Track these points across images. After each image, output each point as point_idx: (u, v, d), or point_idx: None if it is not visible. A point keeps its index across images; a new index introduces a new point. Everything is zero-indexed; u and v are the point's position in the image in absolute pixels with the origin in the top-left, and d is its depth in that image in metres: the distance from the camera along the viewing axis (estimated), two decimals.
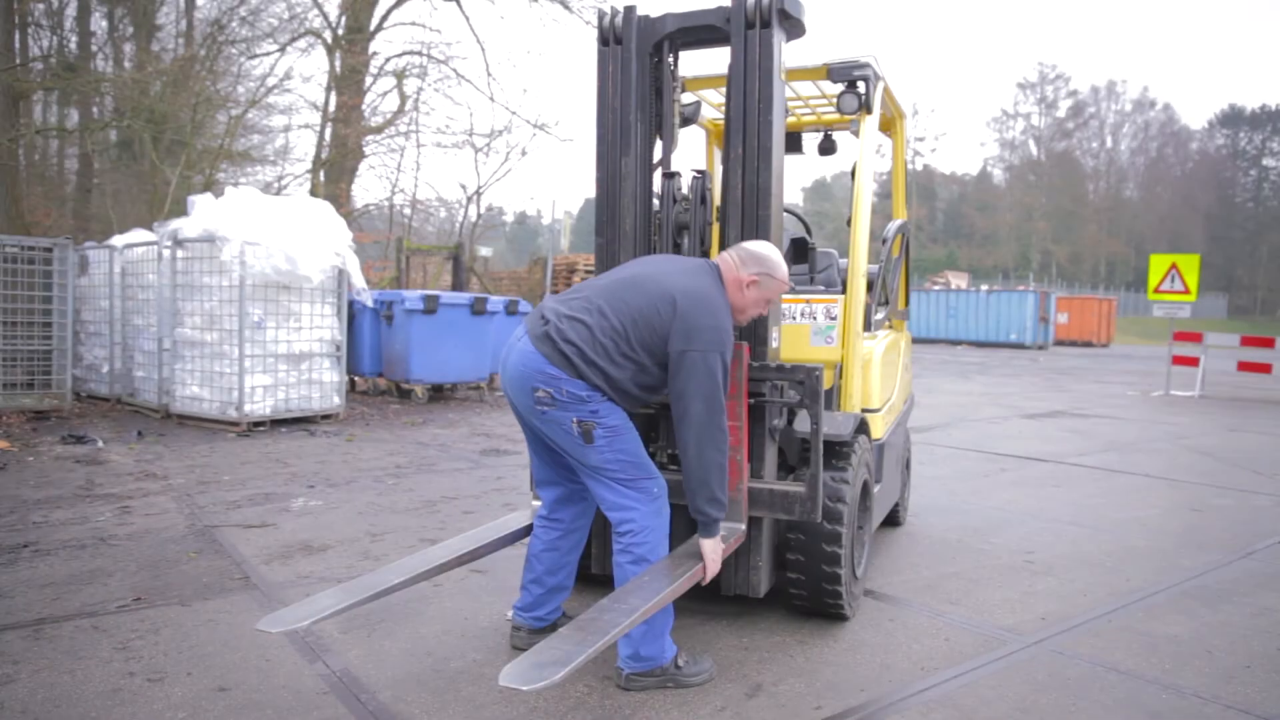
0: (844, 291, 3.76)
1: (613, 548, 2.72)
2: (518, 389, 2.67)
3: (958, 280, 38.96)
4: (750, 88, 3.04)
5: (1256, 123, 69.95)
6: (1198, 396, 12.60)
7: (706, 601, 3.37)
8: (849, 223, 3.75)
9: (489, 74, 19.43)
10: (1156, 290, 12.92)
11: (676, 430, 2.64)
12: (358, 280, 8.50)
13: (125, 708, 2.51)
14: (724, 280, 2.78)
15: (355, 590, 2.60)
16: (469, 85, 24.32)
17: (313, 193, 16.19)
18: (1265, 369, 13.64)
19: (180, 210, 10.29)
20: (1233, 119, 71.29)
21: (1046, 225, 61.81)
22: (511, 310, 10.68)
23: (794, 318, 3.70)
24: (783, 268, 2.84)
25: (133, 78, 13.69)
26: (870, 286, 3.89)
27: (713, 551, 2.70)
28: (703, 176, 3.25)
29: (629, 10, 3.17)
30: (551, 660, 2.02)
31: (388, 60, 18.89)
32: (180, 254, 7.98)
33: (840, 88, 3.69)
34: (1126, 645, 3.17)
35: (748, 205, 3.07)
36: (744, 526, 2.94)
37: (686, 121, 3.39)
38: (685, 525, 3.18)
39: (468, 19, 29.15)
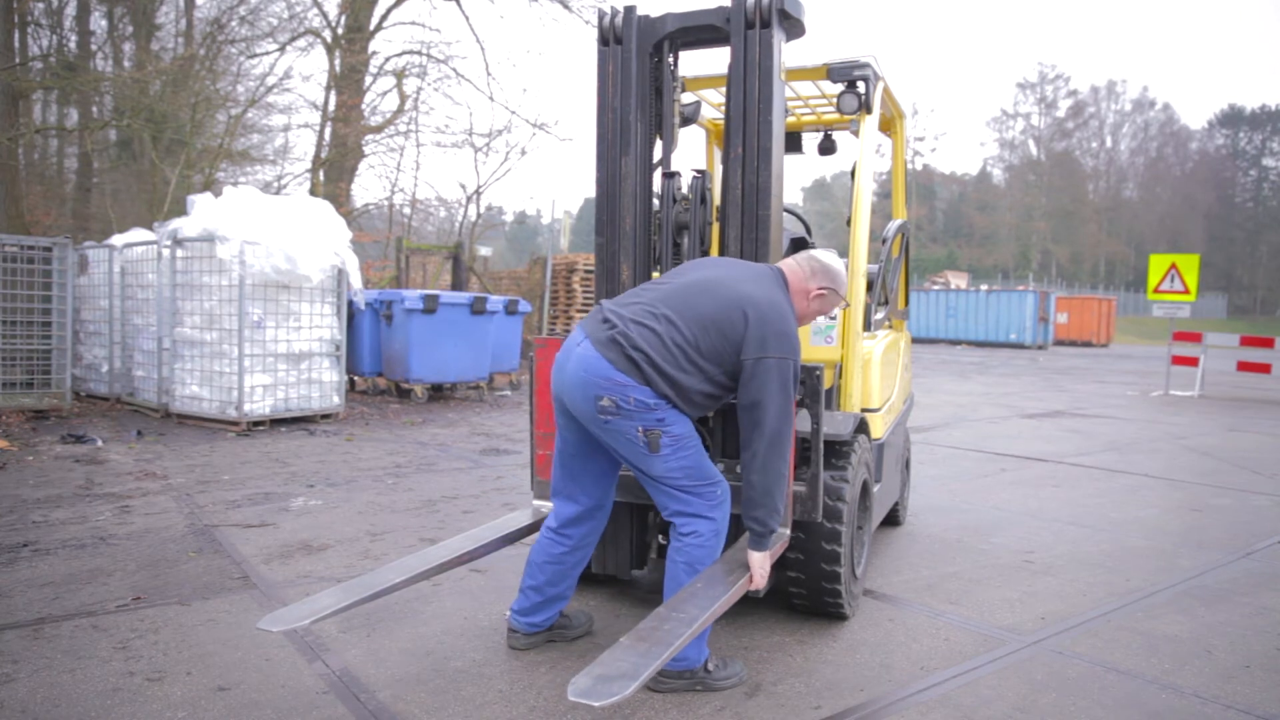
0: None
1: (669, 546, 2.69)
2: (580, 396, 2.57)
3: (957, 280, 38.99)
4: (750, 88, 3.04)
5: (1256, 123, 69.99)
6: (1197, 396, 12.60)
7: None
8: (849, 223, 3.75)
9: (489, 73, 19.45)
10: (1156, 290, 12.93)
11: (746, 438, 2.58)
12: (355, 281, 8.50)
13: (125, 707, 2.51)
14: (789, 287, 2.77)
15: (355, 590, 2.60)
16: (469, 85, 24.39)
17: (312, 192, 16.19)
18: (1265, 369, 13.64)
19: (180, 210, 10.30)
20: (1233, 119, 71.32)
21: (1046, 225, 61.79)
22: (511, 310, 10.65)
23: None
24: (846, 284, 2.90)
25: (132, 77, 13.68)
26: (870, 286, 3.89)
27: (761, 565, 2.64)
28: (703, 176, 3.25)
29: (629, 10, 3.17)
30: (619, 674, 1.99)
31: (387, 60, 18.88)
32: (180, 253, 7.98)
33: (840, 88, 3.69)
34: (1126, 645, 3.17)
35: (748, 205, 3.07)
36: (789, 532, 2.92)
37: (686, 121, 3.39)
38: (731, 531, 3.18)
39: (467, 18, 29.10)
